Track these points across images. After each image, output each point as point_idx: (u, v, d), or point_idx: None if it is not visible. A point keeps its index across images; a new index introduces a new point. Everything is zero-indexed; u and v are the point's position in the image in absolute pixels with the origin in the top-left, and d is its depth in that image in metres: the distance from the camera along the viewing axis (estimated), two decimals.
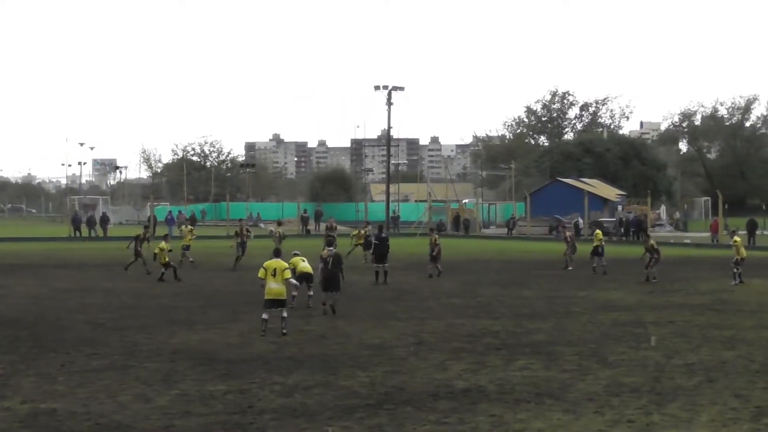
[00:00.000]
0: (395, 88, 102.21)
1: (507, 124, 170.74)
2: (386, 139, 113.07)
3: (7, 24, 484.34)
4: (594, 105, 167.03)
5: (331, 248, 28.06)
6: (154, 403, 15.05)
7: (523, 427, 13.58)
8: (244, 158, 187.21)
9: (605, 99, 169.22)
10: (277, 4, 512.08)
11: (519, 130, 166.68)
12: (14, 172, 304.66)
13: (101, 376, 17.44)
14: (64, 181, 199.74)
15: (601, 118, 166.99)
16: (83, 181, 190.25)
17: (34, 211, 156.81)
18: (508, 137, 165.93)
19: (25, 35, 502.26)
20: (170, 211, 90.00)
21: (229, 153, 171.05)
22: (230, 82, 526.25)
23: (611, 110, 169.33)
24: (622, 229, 77.19)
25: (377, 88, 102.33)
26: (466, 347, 21.06)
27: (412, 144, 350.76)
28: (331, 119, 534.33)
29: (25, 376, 17.40)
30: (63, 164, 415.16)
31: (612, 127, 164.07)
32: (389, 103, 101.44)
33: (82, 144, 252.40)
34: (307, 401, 15.22)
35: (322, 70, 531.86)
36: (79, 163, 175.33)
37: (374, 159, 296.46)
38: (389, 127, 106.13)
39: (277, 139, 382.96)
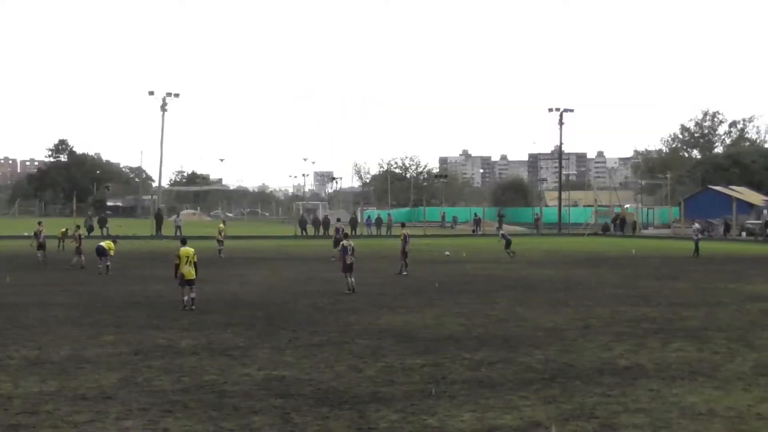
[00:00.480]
0: (566, 110, 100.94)
1: (664, 139, 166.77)
2: (558, 154, 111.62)
3: (251, 60, 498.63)
4: (741, 122, 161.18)
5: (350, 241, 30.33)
6: (364, 373, 15.20)
7: (678, 400, 13.17)
8: (437, 170, 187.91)
9: (752, 117, 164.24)
10: (463, 33, 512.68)
11: (674, 145, 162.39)
12: (252, 183, 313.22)
13: (321, 350, 17.73)
14: (291, 190, 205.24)
15: (748, 133, 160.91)
16: (306, 189, 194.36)
17: (267, 214, 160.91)
18: (664, 151, 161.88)
19: (259, 69, 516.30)
20: (368, 216, 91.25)
21: (425, 166, 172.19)
22: (427, 106, 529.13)
23: (757, 126, 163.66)
24: (767, 230, 74.47)
25: (551, 110, 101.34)
26: (627, 331, 20.59)
27: (581, 157, 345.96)
28: (511, 136, 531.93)
29: (260, 348, 17.84)
30: (290, 176, 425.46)
31: (758, 141, 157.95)
32: (561, 123, 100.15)
33: (305, 159, 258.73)
34: (491, 374, 15.13)
35: (504, 94, 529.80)
36: (303, 175, 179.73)
37: (548, 170, 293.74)
38: (561, 143, 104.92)
39: (465, 154, 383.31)
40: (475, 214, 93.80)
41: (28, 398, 13.06)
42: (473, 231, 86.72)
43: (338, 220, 58.33)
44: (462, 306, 25.43)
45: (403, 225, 41.92)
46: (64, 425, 11.55)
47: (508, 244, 49.47)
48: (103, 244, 37.09)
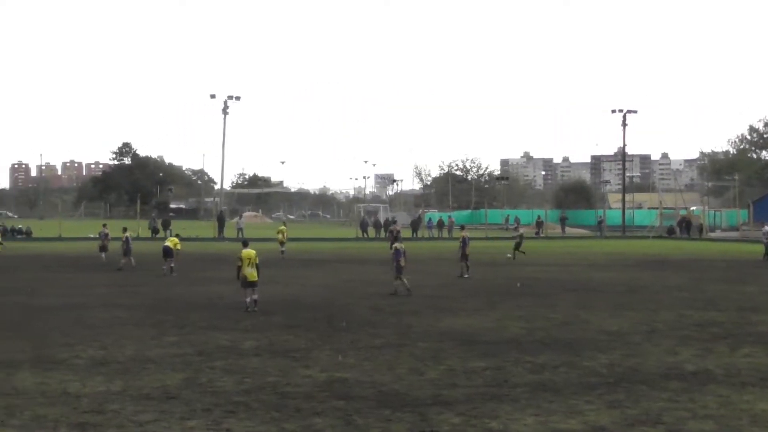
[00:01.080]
0: (629, 112, 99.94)
1: (731, 140, 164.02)
2: (622, 155, 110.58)
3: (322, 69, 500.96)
4: None
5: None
6: (426, 376, 15.19)
7: (750, 407, 12.93)
8: (499, 172, 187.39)
9: None
10: (525, 33, 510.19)
11: (742, 146, 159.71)
12: (313, 185, 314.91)
13: (382, 352, 17.75)
14: (351, 192, 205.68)
15: None
16: (367, 191, 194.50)
17: (328, 216, 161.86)
18: (731, 152, 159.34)
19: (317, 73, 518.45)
20: (429, 218, 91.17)
21: (486, 168, 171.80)
22: (489, 107, 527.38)
23: None
24: None
25: (614, 111, 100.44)
26: (694, 335, 20.30)
27: (645, 159, 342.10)
28: (573, 138, 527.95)
29: (322, 350, 17.91)
30: (351, 178, 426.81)
31: None
32: (624, 124, 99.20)
33: (366, 161, 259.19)
34: (554, 378, 15.02)
35: (567, 96, 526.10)
36: (364, 177, 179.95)
37: (611, 172, 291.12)
38: (624, 145, 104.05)
39: (527, 156, 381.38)
40: (538, 217, 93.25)
41: (95, 397, 13.26)
42: (536, 233, 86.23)
43: (394, 222, 58.40)
44: (523, 309, 25.29)
45: (462, 227, 41.76)
46: (130, 424, 11.71)
47: (518, 246, 49.55)
48: (169, 243, 37.56)
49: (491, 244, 67.80)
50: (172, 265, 36.56)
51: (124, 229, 41.56)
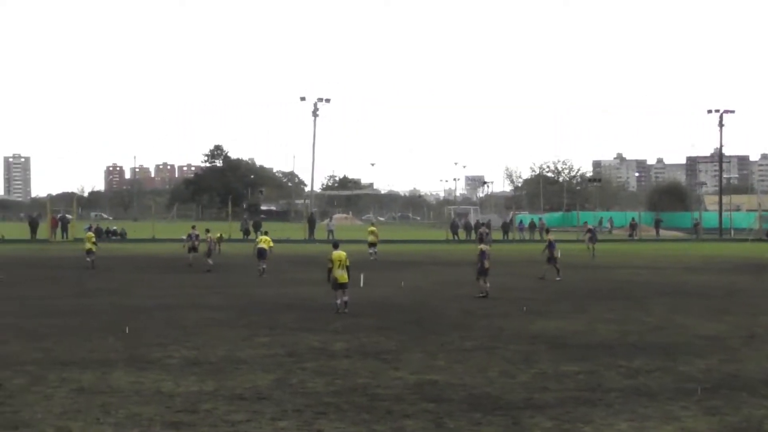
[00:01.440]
0: (726, 112, 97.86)
1: None
2: (718, 157, 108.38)
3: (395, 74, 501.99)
4: None
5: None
6: (517, 379, 15.09)
7: None
8: (591, 174, 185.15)
9: None
10: (620, 35, 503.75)
11: None
12: (403, 187, 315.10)
13: (473, 354, 17.68)
14: (442, 194, 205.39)
15: None
16: (457, 193, 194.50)
17: (418, 218, 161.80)
18: None
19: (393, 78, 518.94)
20: (521, 221, 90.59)
21: (578, 170, 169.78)
22: (581, 107, 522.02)
23: None
24: None
25: (710, 111, 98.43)
26: None
27: (743, 160, 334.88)
28: (667, 139, 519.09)
29: (412, 352, 17.91)
30: (441, 180, 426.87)
31: None
32: (721, 125, 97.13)
33: (456, 163, 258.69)
34: (648, 383, 14.77)
35: (661, 96, 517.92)
36: (454, 179, 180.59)
37: (707, 173, 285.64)
38: (721, 146, 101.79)
39: (620, 157, 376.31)
40: (632, 219, 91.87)
41: (188, 397, 13.47)
42: (629, 235, 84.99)
43: (482, 224, 58.19)
44: (615, 312, 24.96)
45: (547, 231, 41.53)
46: (222, 424, 11.86)
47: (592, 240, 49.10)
48: (263, 245, 37.97)
49: (584, 246, 67.00)
50: (264, 266, 36.98)
51: (207, 231, 42.21)
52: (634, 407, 12.95)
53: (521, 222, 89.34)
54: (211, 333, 20.42)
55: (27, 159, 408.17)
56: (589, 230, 52.93)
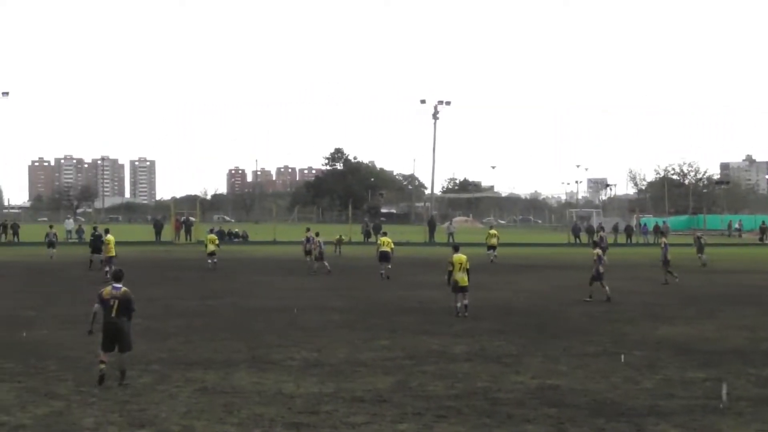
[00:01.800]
0: None
1: None
2: None
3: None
4: None
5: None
6: (641, 385, 14.83)
7: None
8: (718, 176, 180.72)
9: None
10: (747, 35, 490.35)
11: None
12: (524, 190, 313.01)
13: (595, 360, 17.46)
14: (563, 197, 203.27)
15: None
16: (579, 196, 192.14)
17: (539, 221, 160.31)
18: None
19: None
20: (645, 224, 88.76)
21: (705, 172, 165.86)
22: (707, 107, 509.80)
23: None
24: None
25: None
26: None
27: None
28: None
29: (533, 356, 17.79)
30: (562, 183, 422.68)
31: None
32: None
33: (578, 166, 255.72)
34: None
35: None
36: (576, 182, 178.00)
37: None
38: None
39: (749, 159, 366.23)
40: (762, 222, 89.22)
41: (309, 398, 13.65)
42: (760, 239, 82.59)
43: (602, 229, 57.30)
44: (746, 318, 24.31)
45: (662, 234, 40.83)
46: (343, 426, 11.99)
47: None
48: (386, 248, 38.14)
49: (710, 251, 65.42)
50: (389, 266, 37.21)
51: (317, 234, 42.60)
52: (767, 417, 12.59)
53: (645, 225, 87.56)
54: (331, 335, 20.63)
55: (152, 162, 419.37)
56: (697, 238, 51.37)
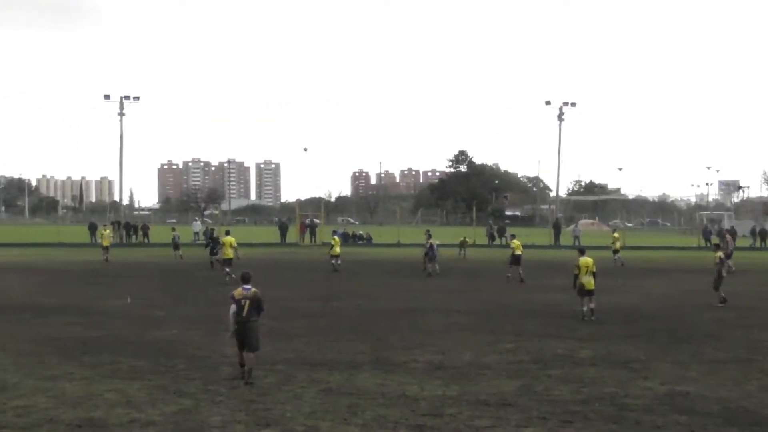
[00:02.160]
0: None
1: None
2: None
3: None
4: None
5: None
6: None
7: None
8: None
9: None
10: None
11: None
12: (652, 192, 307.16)
13: (727, 366, 17.01)
14: (693, 200, 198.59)
15: None
16: (710, 199, 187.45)
17: (668, 224, 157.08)
18: None
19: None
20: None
21: None
22: None
23: None
24: None
25: None
26: None
27: None
28: None
29: (662, 362, 17.44)
30: (692, 185, 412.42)
31: None
32: None
33: (709, 167, 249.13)
34: None
35: None
36: (707, 184, 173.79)
37: None
38: None
39: None
40: None
41: (433, 401, 13.65)
42: None
43: (728, 231, 55.70)
44: None
45: None
46: (466, 429, 11.95)
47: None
48: (519, 251, 37.94)
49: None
50: (521, 271, 37.01)
51: (427, 231, 42.51)
52: None
53: None
54: (456, 337, 20.61)
55: (277, 165, 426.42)
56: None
